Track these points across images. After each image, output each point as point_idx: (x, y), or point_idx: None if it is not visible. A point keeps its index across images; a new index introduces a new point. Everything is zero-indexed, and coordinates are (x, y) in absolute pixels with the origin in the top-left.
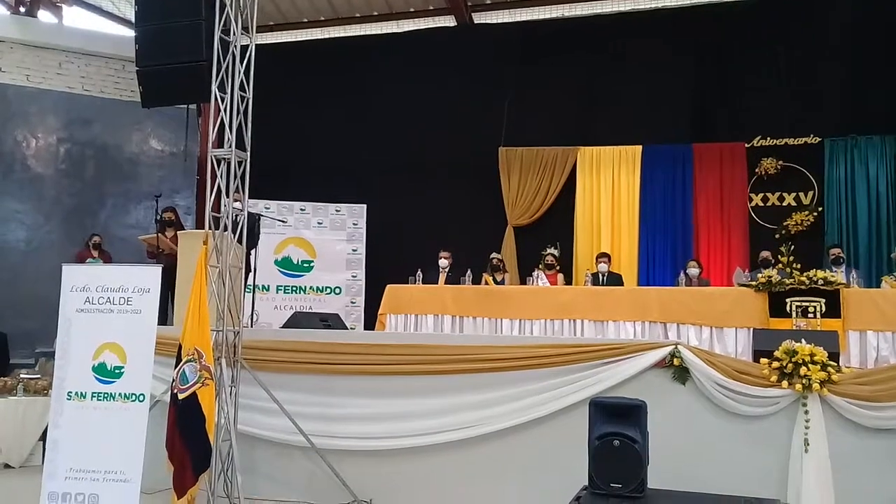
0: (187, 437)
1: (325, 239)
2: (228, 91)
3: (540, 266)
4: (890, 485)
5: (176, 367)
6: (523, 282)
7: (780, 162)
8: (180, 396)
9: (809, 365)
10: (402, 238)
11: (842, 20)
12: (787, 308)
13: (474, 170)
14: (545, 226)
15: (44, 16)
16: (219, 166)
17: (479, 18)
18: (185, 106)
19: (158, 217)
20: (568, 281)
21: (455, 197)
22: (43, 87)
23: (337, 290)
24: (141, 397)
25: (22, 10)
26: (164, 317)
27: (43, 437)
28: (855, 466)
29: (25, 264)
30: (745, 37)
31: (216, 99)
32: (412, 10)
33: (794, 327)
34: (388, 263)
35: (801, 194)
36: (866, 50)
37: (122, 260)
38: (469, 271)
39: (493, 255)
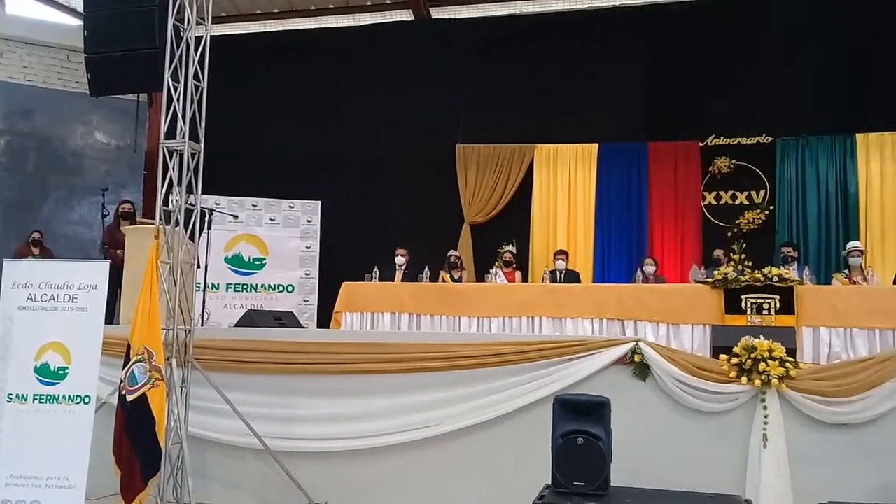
0: (136, 441)
1: (278, 236)
2: (182, 80)
3: (497, 263)
4: (847, 479)
5: (124, 367)
6: (480, 279)
7: (733, 161)
8: (129, 398)
9: (768, 361)
10: (357, 236)
11: (794, 22)
12: (743, 305)
13: (431, 166)
14: (502, 223)
15: None
16: (170, 158)
17: (437, 13)
18: (136, 97)
19: (105, 212)
20: (525, 278)
21: (411, 194)
22: None
23: (290, 289)
24: (86, 399)
25: None
26: (112, 316)
27: None
28: (812, 461)
29: None
30: (699, 36)
31: (169, 88)
32: (369, 3)
33: (749, 324)
34: (342, 261)
35: (754, 193)
36: (817, 51)
37: (65, 257)
38: (427, 269)
39: (451, 252)
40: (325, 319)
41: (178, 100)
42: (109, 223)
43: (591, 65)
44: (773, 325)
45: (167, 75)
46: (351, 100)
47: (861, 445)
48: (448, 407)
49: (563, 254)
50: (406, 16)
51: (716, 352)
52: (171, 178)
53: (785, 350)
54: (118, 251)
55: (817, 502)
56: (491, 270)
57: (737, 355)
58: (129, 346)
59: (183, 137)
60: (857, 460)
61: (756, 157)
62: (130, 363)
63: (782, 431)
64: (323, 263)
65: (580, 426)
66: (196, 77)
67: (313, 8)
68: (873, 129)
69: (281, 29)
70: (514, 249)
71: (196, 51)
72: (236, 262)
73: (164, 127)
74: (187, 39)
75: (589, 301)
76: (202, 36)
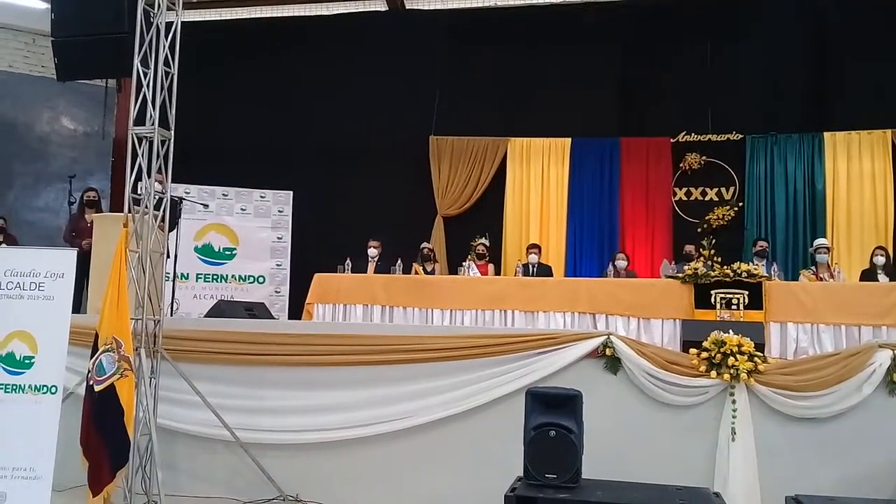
0: (104, 432)
1: (249, 226)
2: (152, 66)
3: (471, 256)
4: (812, 472)
5: (92, 357)
6: (453, 272)
7: (704, 157)
8: (97, 388)
9: (737, 355)
10: (329, 227)
11: (764, 20)
12: (712, 300)
13: (404, 158)
14: (475, 216)
15: None
16: (140, 145)
17: (411, 4)
18: (103, 83)
19: (72, 199)
20: (497, 271)
21: (384, 185)
22: None
23: (261, 280)
24: (53, 389)
25: None
26: (79, 305)
27: None
28: (779, 455)
29: None
30: (672, 33)
31: (138, 74)
32: None
33: (718, 318)
34: (314, 252)
35: (723, 189)
36: (787, 50)
37: (30, 245)
38: (399, 261)
39: (424, 244)
40: (296, 311)
41: (147, 86)
42: (74, 211)
43: (565, 59)
44: (741, 320)
45: (136, 61)
46: (324, 90)
47: (827, 439)
48: (420, 399)
49: (535, 247)
50: (380, 6)
51: (686, 346)
52: (140, 166)
53: (753, 345)
54: (82, 240)
55: (784, 495)
56: (464, 263)
57: (706, 349)
58: (97, 336)
59: (152, 124)
60: (824, 454)
61: (726, 154)
62: (98, 353)
63: (750, 425)
64: (295, 254)
65: (552, 419)
66: (166, 63)
67: None
68: (841, 127)
69: (254, 17)
70: (487, 242)
71: (167, 36)
72: (206, 251)
73: (133, 113)
74: (157, 24)
75: (561, 295)
76: (173, 21)
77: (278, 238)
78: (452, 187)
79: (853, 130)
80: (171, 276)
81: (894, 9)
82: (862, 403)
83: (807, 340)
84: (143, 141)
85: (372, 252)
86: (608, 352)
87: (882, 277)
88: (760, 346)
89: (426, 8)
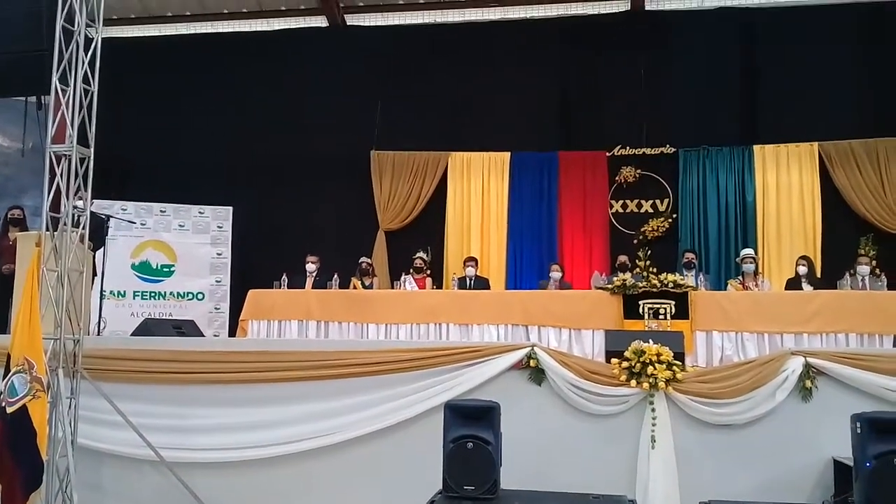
0: (17, 454)
1: (187, 242)
2: (71, 83)
3: (410, 270)
4: (730, 478)
5: (4, 378)
6: (393, 286)
7: (639, 171)
8: (9, 410)
9: (656, 364)
10: (271, 242)
11: (695, 37)
12: (640, 310)
13: (346, 173)
14: (417, 230)
15: None
16: (59, 163)
17: (352, 20)
18: (25, 99)
19: None
20: (438, 285)
21: (326, 200)
22: None
23: (200, 296)
24: None
25: None
26: (5, 326)
27: None
28: (697, 461)
29: None
30: (607, 49)
31: (57, 92)
32: (283, 8)
33: (647, 328)
34: (256, 268)
35: (658, 202)
36: (718, 66)
37: None
38: (336, 275)
39: (363, 259)
40: (237, 327)
41: (66, 104)
42: None
43: (504, 75)
44: (668, 329)
45: (55, 78)
46: (265, 105)
47: (744, 445)
48: (347, 415)
49: (472, 261)
50: (321, 22)
51: (609, 356)
52: (58, 184)
53: (675, 353)
54: (4, 258)
55: (701, 501)
56: (401, 277)
57: (627, 359)
58: (9, 357)
59: (71, 142)
60: (741, 460)
61: (660, 167)
62: (10, 374)
63: (669, 432)
64: (235, 271)
65: (470, 431)
66: (86, 80)
67: (226, 11)
68: (770, 140)
69: (193, 32)
70: (425, 256)
71: (86, 53)
72: (144, 269)
73: (51, 131)
74: (77, 40)
75: (495, 307)
76: (93, 38)
77: (218, 254)
78: (394, 201)
79: (781, 143)
80: (99, 294)
81: (820, 25)
82: (776, 409)
83: (731, 349)
84: (62, 159)
85: (310, 267)
86: (532, 363)
87: (806, 286)
88: (680, 355)
89: (366, 24)
